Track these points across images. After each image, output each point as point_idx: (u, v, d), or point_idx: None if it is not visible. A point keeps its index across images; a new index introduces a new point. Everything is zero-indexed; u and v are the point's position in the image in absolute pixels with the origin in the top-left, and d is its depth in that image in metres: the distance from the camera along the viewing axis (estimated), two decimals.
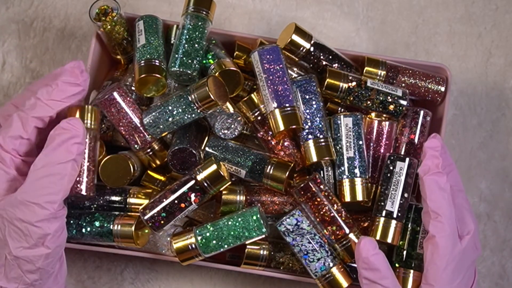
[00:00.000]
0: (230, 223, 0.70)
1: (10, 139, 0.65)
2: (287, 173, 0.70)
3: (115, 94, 0.71)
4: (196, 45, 0.72)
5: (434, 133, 0.69)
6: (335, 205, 0.70)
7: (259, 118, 0.73)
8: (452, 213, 0.65)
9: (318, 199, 0.70)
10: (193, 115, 0.70)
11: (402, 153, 0.75)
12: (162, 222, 0.70)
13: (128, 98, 0.72)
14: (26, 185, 0.62)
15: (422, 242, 0.72)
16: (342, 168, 0.72)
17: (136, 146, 0.73)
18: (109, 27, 0.74)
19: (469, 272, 0.68)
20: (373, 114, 0.75)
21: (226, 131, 0.73)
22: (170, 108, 0.70)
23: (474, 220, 0.69)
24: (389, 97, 0.74)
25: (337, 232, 0.70)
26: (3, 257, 0.63)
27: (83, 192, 0.68)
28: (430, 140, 0.67)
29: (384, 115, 0.75)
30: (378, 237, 0.70)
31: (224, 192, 0.72)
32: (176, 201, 0.69)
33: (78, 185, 0.68)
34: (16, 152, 0.65)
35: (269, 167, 0.71)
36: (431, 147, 0.67)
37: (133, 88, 0.75)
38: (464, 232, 0.67)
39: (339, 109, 0.77)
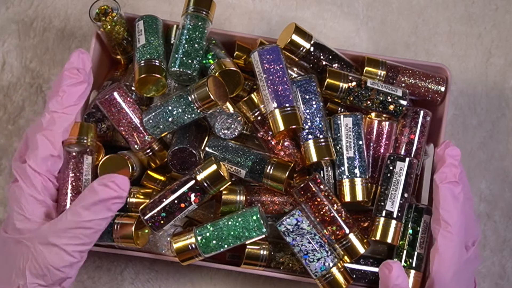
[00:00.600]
0: (230, 223, 0.70)
1: (42, 161, 0.64)
2: (287, 173, 0.70)
3: (115, 94, 0.71)
4: (196, 45, 0.72)
5: (448, 140, 0.69)
6: (335, 205, 0.70)
7: (259, 118, 0.73)
8: (462, 223, 0.66)
9: (318, 199, 0.70)
10: (193, 115, 0.70)
11: (402, 153, 0.75)
12: (162, 222, 0.70)
13: (128, 98, 0.72)
14: (60, 228, 0.61)
15: (423, 243, 0.72)
16: (342, 168, 0.72)
17: (136, 146, 0.73)
18: (109, 27, 0.74)
19: (470, 280, 0.68)
20: (373, 114, 0.75)
21: (226, 131, 0.73)
22: (170, 108, 0.70)
23: (479, 229, 0.70)
24: (389, 97, 0.74)
25: (337, 232, 0.70)
26: (16, 285, 0.63)
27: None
28: (452, 148, 0.68)
29: (384, 115, 0.75)
30: (378, 237, 0.70)
31: (224, 192, 0.72)
32: (176, 201, 0.69)
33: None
34: (50, 172, 0.65)
35: (269, 167, 0.71)
36: (451, 155, 0.67)
37: (133, 88, 0.75)
38: (470, 241, 0.68)
39: (339, 109, 0.77)
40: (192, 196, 0.69)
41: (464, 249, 0.67)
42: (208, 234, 0.70)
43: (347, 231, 0.70)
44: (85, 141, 0.69)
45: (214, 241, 0.69)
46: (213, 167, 0.69)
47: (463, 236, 0.67)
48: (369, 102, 0.74)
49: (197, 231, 0.70)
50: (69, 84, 0.66)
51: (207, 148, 0.73)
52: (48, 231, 0.62)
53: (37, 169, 0.64)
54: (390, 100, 0.74)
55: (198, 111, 0.70)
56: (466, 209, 0.68)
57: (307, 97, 0.72)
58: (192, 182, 0.69)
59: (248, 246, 0.72)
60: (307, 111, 0.72)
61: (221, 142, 0.73)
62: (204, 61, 0.74)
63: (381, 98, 0.74)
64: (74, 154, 0.69)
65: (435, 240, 0.66)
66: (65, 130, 0.66)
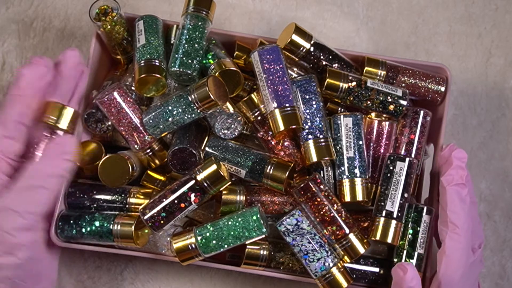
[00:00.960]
0: (230, 223, 0.70)
1: None
2: (287, 173, 0.70)
3: (115, 94, 0.71)
4: (196, 45, 0.72)
5: (452, 143, 0.70)
6: (335, 205, 0.70)
7: (259, 118, 0.73)
8: (469, 225, 0.67)
9: (318, 199, 0.70)
10: (193, 115, 0.70)
11: (402, 153, 0.75)
12: (162, 222, 0.70)
13: (128, 98, 0.72)
14: (11, 192, 0.61)
15: (423, 243, 0.72)
16: (342, 168, 0.72)
17: (136, 146, 0.73)
18: (109, 27, 0.74)
19: (475, 284, 0.69)
20: (373, 114, 0.75)
21: (226, 131, 0.73)
22: (170, 108, 0.70)
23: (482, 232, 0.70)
24: (389, 97, 0.74)
25: (337, 232, 0.70)
26: None
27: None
28: (458, 150, 0.69)
29: (384, 115, 0.75)
30: (378, 237, 0.70)
31: (224, 192, 0.72)
32: (176, 201, 0.69)
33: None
34: (2, 153, 0.64)
35: (269, 167, 0.71)
36: (458, 158, 0.68)
37: (133, 88, 0.75)
38: (476, 244, 0.68)
39: (339, 109, 0.77)
40: (192, 196, 0.69)
41: (471, 251, 0.68)
42: (208, 234, 0.70)
43: (347, 231, 0.70)
44: (52, 121, 0.68)
45: (214, 241, 0.69)
46: (213, 167, 0.69)
47: (470, 238, 0.67)
48: (369, 102, 0.74)
49: (197, 231, 0.70)
50: (28, 68, 0.66)
51: (207, 148, 0.73)
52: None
53: None
54: (390, 100, 0.74)
55: (198, 111, 0.70)
56: (472, 212, 0.69)
57: (307, 97, 0.72)
58: (192, 182, 0.69)
59: (248, 246, 0.72)
60: (307, 111, 0.72)
61: (221, 142, 0.73)
62: (204, 61, 0.74)
63: (381, 98, 0.74)
64: (44, 133, 0.68)
65: (443, 242, 0.67)
66: (20, 112, 0.65)
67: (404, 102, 0.74)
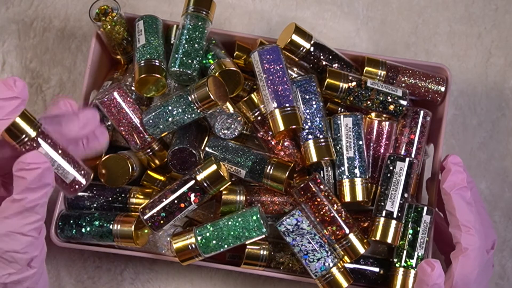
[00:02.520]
0: (230, 223, 0.70)
1: None
2: (287, 173, 0.70)
3: (115, 94, 0.71)
4: (196, 45, 0.72)
5: (448, 154, 0.72)
6: (335, 205, 0.70)
7: (259, 118, 0.73)
8: (480, 226, 0.68)
9: (318, 199, 0.70)
10: (193, 115, 0.70)
11: (402, 153, 0.75)
12: (161, 222, 0.70)
13: (128, 98, 0.72)
14: (7, 216, 0.60)
15: (423, 243, 0.72)
16: (342, 168, 0.72)
17: (136, 146, 0.73)
18: (109, 27, 0.74)
19: (487, 285, 0.70)
20: (373, 114, 0.75)
21: (226, 131, 0.73)
22: (170, 108, 0.70)
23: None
24: (389, 97, 0.74)
25: (337, 232, 0.70)
26: None
27: (84, 183, 0.65)
28: (453, 156, 0.71)
29: (384, 115, 0.75)
30: (378, 237, 0.70)
31: (224, 192, 0.72)
32: (176, 201, 0.69)
33: (76, 182, 0.65)
34: None
35: (269, 167, 0.71)
36: (455, 163, 0.70)
37: (133, 88, 0.75)
38: (489, 244, 0.69)
39: (339, 109, 0.77)
40: (192, 196, 0.69)
41: (485, 251, 0.69)
42: (208, 234, 0.70)
43: (347, 231, 0.70)
44: (26, 138, 0.61)
45: (214, 241, 0.69)
46: (213, 167, 0.69)
47: (484, 238, 0.68)
48: (369, 102, 0.74)
49: (197, 231, 0.70)
50: (1, 98, 0.60)
51: (207, 148, 0.73)
52: None
53: None
54: (390, 100, 0.74)
55: (198, 111, 0.70)
56: (481, 211, 0.70)
57: (307, 97, 0.72)
58: (192, 182, 0.69)
59: (248, 246, 0.72)
60: (307, 111, 0.72)
61: (221, 142, 0.73)
62: (204, 61, 0.74)
63: (381, 98, 0.74)
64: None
65: (458, 244, 0.68)
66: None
67: (404, 102, 0.74)
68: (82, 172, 0.65)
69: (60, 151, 0.64)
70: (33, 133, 0.61)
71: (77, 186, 0.65)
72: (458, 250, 0.67)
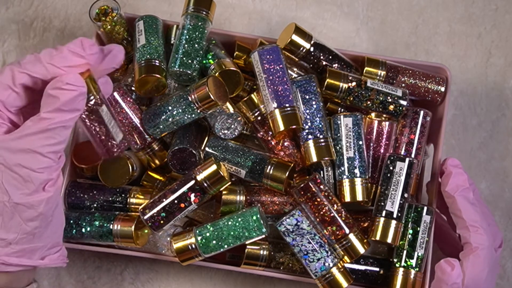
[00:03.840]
0: (230, 223, 0.70)
1: (1, 87, 0.60)
2: (287, 173, 0.70)
3: (115, 94, 0.71)
4: (196, 45, 0.72)
5: (447, 157, 0.73)
6: (335, 205, 0.70)
7: (259, 118, 0.73)
8: (487, 225, 0.69)
9: (318, 199, 0.70)
10: (193, 115, 0.70)
11: (402, 153, 0.75)
12: (161, 222, 0.70)
13: (128, 98, 0.72)
14: (29, 133, 0.59)
15: (423, 243, 0.72)
16: (342, 168, 0.72)
17: (136, 146, 0.73)
18: (109, 27, 0.74)
19: (494, 285, 0.71)
20: (373, 114, 0.75)
21: (226, 131, 0.73)
22: (170, 108, 0.70)
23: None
24: (389, 97, 0.74)
25: (337, 232, 0.70)
26: (1, 203, 0.60)
27: (126, 144, 0.67)
28: (451, 159, 0.72)
29: (384, 115, 0.75)
30: (378, 237, 0.70)
31: (224, 192, 0.72)
32: (176, 201, 0.69)
33: (122, 142, 0.65)
34: (3, 104, 0.61)
35: (269, 167, 0.71)
36: (454, 165, 0.71)
37: (133, 88, 0.75)
38: (497, 243, 0.71)
39: (339, 109, 0.77)
40: (192, 196, 0.69)
41: (493, 250, 0.69)
42: (208, 234, 0.70)
43: (347, 231, 0.70)
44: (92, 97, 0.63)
45: (214, 241, 0.69)
46: (213, 167, 0.69)
47: (492, 237, 0.69)
48: (369, 102, 0.74)
49: (197, 231, 0.70)
50: (70, 49, 0.61)
51: (207, 148, 0.73)
52: (15, 140, 0.59)
53: None
54: (390, 100, 0.74)
55: (198, 111, 0.70)
56: (485, 212, 0.71)
57: (307, 97, 0.72)
58: (192, 182, 0.69)
59: (248, 246, 0.72)
60: (307, 111, 0.72)
61: (221, 142, 0.73)
62: (204, 61, 0.74)
63: (381, 98, 0.74)
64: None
65: (467, 244, 0.68)
66: (31, 76, 0.61)
67: (404, 102, 0.74)
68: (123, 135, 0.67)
69: (113, 111, 0.65)
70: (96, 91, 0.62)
71: (122, 146, 0.66)
72: (468, 250, 0.68)
